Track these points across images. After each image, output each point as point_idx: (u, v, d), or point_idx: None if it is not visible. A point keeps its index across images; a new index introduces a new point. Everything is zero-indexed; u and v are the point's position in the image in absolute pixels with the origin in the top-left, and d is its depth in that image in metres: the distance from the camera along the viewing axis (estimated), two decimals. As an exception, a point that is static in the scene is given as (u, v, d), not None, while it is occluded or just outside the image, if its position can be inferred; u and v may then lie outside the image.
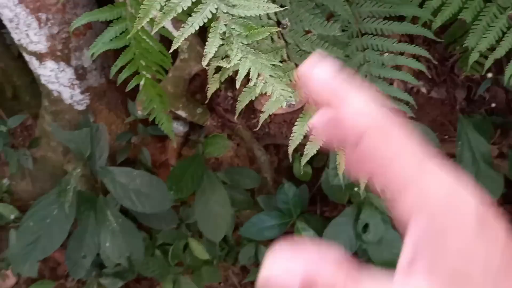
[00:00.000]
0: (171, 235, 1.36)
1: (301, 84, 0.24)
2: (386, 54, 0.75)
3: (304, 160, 0.59)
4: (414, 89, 1.35)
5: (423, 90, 1.31)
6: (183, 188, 1.10)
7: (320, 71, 0.22)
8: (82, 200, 1.20)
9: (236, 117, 0.59)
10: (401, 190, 0.20)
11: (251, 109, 1.46)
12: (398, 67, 0.79)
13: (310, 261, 0.19)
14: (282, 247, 0.20)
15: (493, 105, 1.23)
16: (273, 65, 0.47)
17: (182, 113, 1.30)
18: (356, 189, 1.05)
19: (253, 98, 0.58)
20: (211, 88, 0.61)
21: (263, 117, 0.58)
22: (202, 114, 1.33)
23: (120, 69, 0.72)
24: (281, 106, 0.55)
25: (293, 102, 0.45)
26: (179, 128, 1.39)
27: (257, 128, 0.57)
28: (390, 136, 0.21)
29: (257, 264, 1.40)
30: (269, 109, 0.57)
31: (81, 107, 1.34)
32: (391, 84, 0.75)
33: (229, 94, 1.47)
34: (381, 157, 0.21)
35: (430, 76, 1.16)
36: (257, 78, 0.45)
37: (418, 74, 1.36)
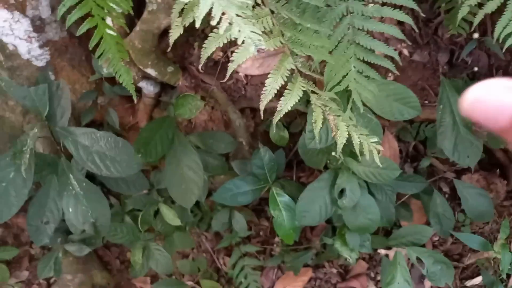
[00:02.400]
0: (141, 201, 1.30)
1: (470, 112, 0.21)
2: (371, 4, 0.69)
3: (277, 116, 0.54)
4: (397, 51, 1.29)
5: (405, 52, 1.26)
6: (152, 151, 1.04)
7: (494, 89, 0.20)
8: (43, 163, 1.12)
9: (200, 66, 0.52)
10: None
11: (226, 69, 1.38)
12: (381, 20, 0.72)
13: None
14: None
15: (476, 69, 1.20)
16: (241, 3, 0.40)
17: (151, 71, 1.21)
18: (333, 153, 1.01)
19: (221, 45, 0.51)
20: (174, 33, 0.54)
21: (231, 67, 0.51)
22: (173, 73, 1.24)
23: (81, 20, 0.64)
24: (251, 54, 0.49)
25: (263, 47, 0.39)
26: (149, 88, 1.31)
27: (225, 80, 0.51)
28: None
29: (230, 230, 1.37)
30: (238, 58, 0.51)
31: (40, 63, 1.23)
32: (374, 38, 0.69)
33: (203, 52, 1.38)
34: None
35: (414, 34, 1.11)
36: (221, 17, 0.38)
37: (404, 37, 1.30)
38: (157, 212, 1.31)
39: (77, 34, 0.57)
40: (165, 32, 1.30)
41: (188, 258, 1.47)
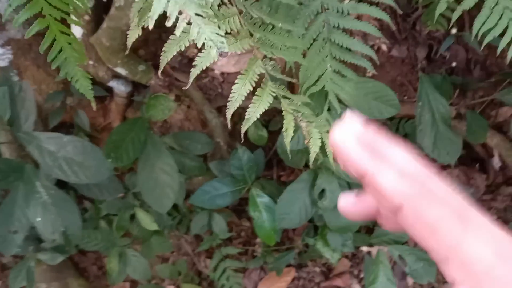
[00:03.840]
0: (116, 205, 1.25)
1: (334, 153, 0.25)
2: (347, 1, 0.65)
3: (246, 125, 0.50)
4: (375, 46, 1.27)
5: (384, 48, 1.24)
6: (123, 156, 0.99)
7: (348, 146, 0.24)
8: (8, 169, 1.06)
9: (159, 71, 0.47)
10: (444, 259, 0.21)
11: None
12: (358, 17, 0.69)
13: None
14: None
15: (454, 64, 1.18)
16: (201, 1, 0.36)
17: (121, 70, 1.15)
18: (310, 158, 0.98)
19: (182, 48, 0.47)
20: (131, 35, 0.50)
21: (194, 73, 0.47)
22: (145, 72, 1.19)
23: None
24: (214, 59, 0.45)
25: (226, 50, 0.35)
26: (120, 87, 1.25)
27: (187, 87, 0.47)
28: (429, 201, 0.22)
29: (210, 232, 1.33)
30: (201, 62, 0.47)
31: (2, 63, 1.16)
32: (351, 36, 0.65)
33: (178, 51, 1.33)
34: (423, 227, 0.22)
35: (393, 29, 1.08)
36: (178, 17, 0.34)
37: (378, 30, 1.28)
38: (133, 216, 1.27)
39: (26, 36, 0.52)
40: (135, 29, 1.24)
41: (168, 261, 1.43)
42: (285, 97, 0.52)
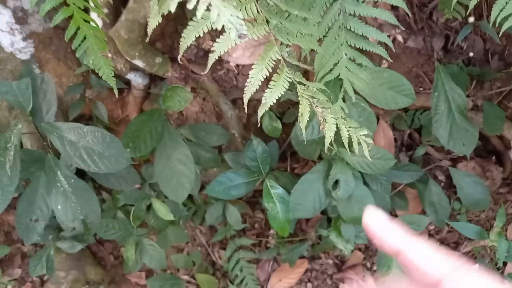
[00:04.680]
0: (133, 196, 1.27)
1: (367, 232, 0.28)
2: (362, -12, 0.66)
3: (262, 109, 0.51)
4: (390, 37, 1.26)
5: (400, 38, 1.23)
6: (141, 146, 1.01)
7: (380, 228, 0.28)
8: (30, 159, 1.09)
9: (179, 56, 0.49)
10: None
11: (218, 60, 1.35)
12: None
13: None
14: None
15: (471, 54, 1.17)
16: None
17: (139, 62, 1.17)
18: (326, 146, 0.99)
19: (201, 34, 0.48)
20: (151, 22, 0.51)
21: (212, 57, 0.48)
22: (162, 64, 1.21)
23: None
24: (233, 42, 0.46)
25: (245, 32, 0.36)
26: (137, 80, 1.27)
27: (206, 72, 0.48)
28: (468, 278, 0.25)
29: (225, 223, 1.35)
30: (219, 47, 0.48)
31: (24, 56, 1.19)
32: (367, 23, 0.66)
33: (193, 42, 1.34)
34: None
35: (409, 19, 1.08)
36: (198, 0, 0.35)
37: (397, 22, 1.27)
38: (149, 207, 1.29)
39: (52, 25, 0.54)
40: (152, 22, 1.26)
41: (183, 252, 1.45)
42: (301, 83, 0.53)
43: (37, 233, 1.12)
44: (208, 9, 0.37)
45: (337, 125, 0.53)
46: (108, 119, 1.33)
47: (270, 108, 1.47)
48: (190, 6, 0.35)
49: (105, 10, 1.15)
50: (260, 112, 0.50)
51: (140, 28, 1.12)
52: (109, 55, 1.22)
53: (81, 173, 1.16)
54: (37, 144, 1.23)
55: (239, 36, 0.36)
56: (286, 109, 1.35)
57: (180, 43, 0.48)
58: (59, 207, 1.03)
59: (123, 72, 1.24)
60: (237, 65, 1.33)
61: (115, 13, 1.14)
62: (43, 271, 1.29)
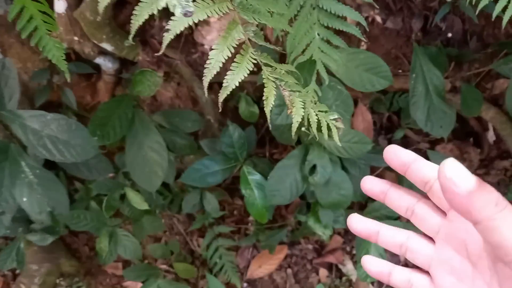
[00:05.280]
0: (106, 185, 1.23)
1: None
2: (334, -36, 0.62)
3: (224, 93, 0.47)
4: (369, 18, 1.23)
5: (378, 19, 1.20)
6: (110, 133, 0.96)
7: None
8: (-6, 149, 1.03)
9: (130, 37, 0.44)
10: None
11: (191, 42, 1.30)
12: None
13: None
14: None
15: (449, 35, 1.15)
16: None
17: (107, 46, 1.11)
18: (303, 128, 0.96)
19: (155, 12, 0.44)
20: (102, 1, 0.46)
21: (166, 38, 0.44)
22: (131, 47, 1.15)
23: None
24: (185, 23, 0.42)
25: (191, 9, 0.32)
26: (107, 64, 1.22)
27: (160, 53, 0.44)
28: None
29: (202, 211, 1.32)
30: (174, 26, 0.44)
31: (-17, 40, 1.12)
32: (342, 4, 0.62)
33: (165, 24, 1.29)
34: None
35: (388, 0, 1.05)
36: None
37: (373, 4, 1.24)
38: (124, 196, 1.25)
39: (9, 19, 0.49)
40: (120, 3, 1.20)
41: (161, 241, 1.42)
42: (267, 65, 0.49)
43: (4, 226, 1.07)
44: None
45: (305, 109, 0.50)
46: (78, 106, 1.28)
47: (247, 93, 1.43)
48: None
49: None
50: (222, 96, 0.47)
51: (107, 9, 1.06)
52: (76, 38, 1.16)
53: (52, 163, 1.10)
54: (2, 133, 1.17)
55: (185, 14, 0.32)
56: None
57: (131, 23, 0.44)
58: (24, 199, 0.98)
59: (91, 56, 1.18)
60: (212, 49, 1.28)
61: (80, -7, 1.08)
62: (14, 265, 1.24)
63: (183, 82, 1.34)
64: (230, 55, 0.46)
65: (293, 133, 0.51)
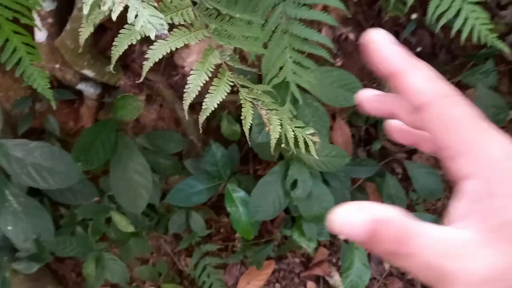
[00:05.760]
0: (91, 210, 1.23)
1: (367, 51, 0.27)
2: (303, -9, 0.66)
3: (204, 115, 0.50)
4: (343, 36, 1.29)
5: (351, 36, 1.26)
6: (94, 158, 0.98)
7: (385, 43, 0.26)
8: (-24, 179, 1.03)
9: (111, 66, 0.47)
10: (458, 154, 0.24)
11: (172, 65, 1.33)
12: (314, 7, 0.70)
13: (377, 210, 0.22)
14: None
15: (419, 49, 1.21)
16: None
17: (88, 72, 1.14)
18: (283, 145, 0.99)
19: (134, 42, 0.47)
20: (84, 33, 0.49)
21: (146, 66, 0.47)
22: (113, 73, 1.18)
23: None
24: (165, 50, 0.45)
25: (165, 32, 0.35)
26: (89, 90, 1.23)
27: (140, 80, 0.47)
28: (455, 101, 0.24)
29: (189, 230, 1.33)
30: (153, 54, 0.47)
31: (-36, 71, 1.13)
32: (308, 27, 0.66)
33: (146, 48, 1.32)
34: (446, 123, 0.24)
35: (359, 17, 1.10)
36: (114, 2, 0.34)
37: (345, 20, 1.30)
38: (109, 220, 1.25)
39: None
40: (101, 28, 1.23)
41: (148, 263, 1.42)
42: (244, 86, 0.52)
43: (-11, 256, 1.06)
44: (125, 9, 0.36)
45: (281, 126, 0.53)
46: (61, 131, 1.29)
47: (229, 112, 1.46)
48: (104, 8, 0.34)
49: (50, 20, 1.11)
50: (202, 118, 0.50)
51: (88, 38, 1.09)
52: (57, 66, 1.17)
53: (35, 190, 1.11)
54: (-15, 162, 1.16)
55: (159, 37, 0.35)
56: (245, 111, 1.35)
57: (112, 53, 0.47)
58: (9, 227, 0.98)
59: (73, 82, 1.19)
60: (190, 74, 1.31)
61: (60, 23, 1.10)
62: (-1, 295, 1.22)
63: (165, 104, 1.36)
64: (207, 79, 0.49)
65: (272, 150, 0.54)
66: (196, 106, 1.55)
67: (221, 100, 0.50)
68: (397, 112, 0.29)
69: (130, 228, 1.15)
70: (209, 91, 0.50)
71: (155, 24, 0.34)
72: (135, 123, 1.39)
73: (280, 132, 0.55)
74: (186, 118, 0.47)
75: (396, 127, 0.31)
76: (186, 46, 1.31)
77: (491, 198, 0.22)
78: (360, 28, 1.28)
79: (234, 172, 1.28)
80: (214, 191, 1.21)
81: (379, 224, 0.22)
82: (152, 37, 0.34)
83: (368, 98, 0.30)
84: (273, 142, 0.54)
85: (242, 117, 0.51)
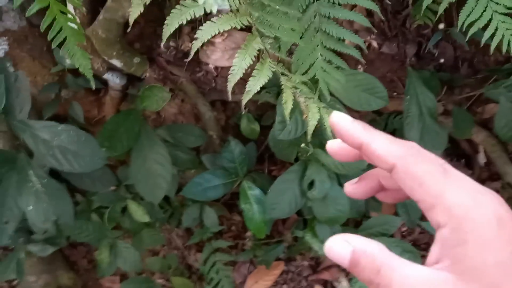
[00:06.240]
0: (108, 198, 1.26)
1: (333, 131, 0.31)
2: (337, -9, 0.68)
3: (246, 97, 0.52)
4: (366, 43, 1.30)
5: (374, 44, 1.27)
6: (117, 145, 1.00)
7: (345, 124, 0.29)
8: (1, 159, 1.06)
9: (162, 43, 0.49)
10: (430, 207, 0.26)
11: (196, 61, 1.35)
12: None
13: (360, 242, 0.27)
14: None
15: (442, 61, 1.22)
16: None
17: (116, 62, 1.16)
18: (302, 145, 1.00)
19: (184, 21, 0.49)
20: (133, 12, 0.51)
21: (195, 45, 0.49)
22: (140, 64, 1.20)
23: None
24: (216, 30, 0.47)
25: (226, 7, 0.37)
26: (115, 80, 1.26)
27: (188, 60, 0.48)
28: (417, 158, 0.27)
29: (201, 225, 1.34)
30: (203, 34, 0.48)
31: (-3, 54, 1.17)
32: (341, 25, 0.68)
33: (172, 43, 1.34)
34: (413, 180, 0.26)
35: (383, 26, 1.11)
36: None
37: (369, 27, 1.31)
38: (125, 209, 1.27)
39: (27, 15, 0.53)
40: (133, 24, 1.25)
41: (159, 255, 1.43)
42: (284, 74, 0.54)
43: (8, 235, 1.09)
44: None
45: (320, 114, 0.54)
46: (84, 120, 1.31)
47: (249, 110, 1.48)
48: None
49: (83, 9, 1.14)
50: (244, 100, 0.51)
51: (118, 28, 1.11)
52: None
53: (54, 175, 1.13)
54: (9, 144, 1.19)
55: (220, 12, 0.37)
56: (265, 111, 1.37)
57: (163, 30, 0.49)
58: (30, 207, 1.00)
59: (100, 72, 1.22)
60: (216, 67, 1.33)
61: (93, 12, 1.13)
62: (13, 276, 1.25)
63: (187, 99, 1.39)
64: (251, 62, 0.51)
65: (309, 136, 0.55)
66: (216, 103, 1.57)
67: (263, 83, 0.51)
68: (382, 183, 0.33)
69: (146, 218, 1.17)
70: (252, 74, 0.52)
71: (216, 0, 0.36)
72: (156, 116, 1.41)
73: (318, 119, 0.56)
74: (230, 98, 0.48)
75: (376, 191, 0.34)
76: (211, 43, 1.33)
77: (462, 245, 0.24)
78: (383, 37, 1.29)
79: (250, 170, 1.29)
80: (229, 187, 1.22)
81: (360, 255, 0.26)
82: (214, 11, 0.36)
83: (354, 186, 0.35)
84: (310, 129, 0.55)
85: (283, 102, 0.52)
